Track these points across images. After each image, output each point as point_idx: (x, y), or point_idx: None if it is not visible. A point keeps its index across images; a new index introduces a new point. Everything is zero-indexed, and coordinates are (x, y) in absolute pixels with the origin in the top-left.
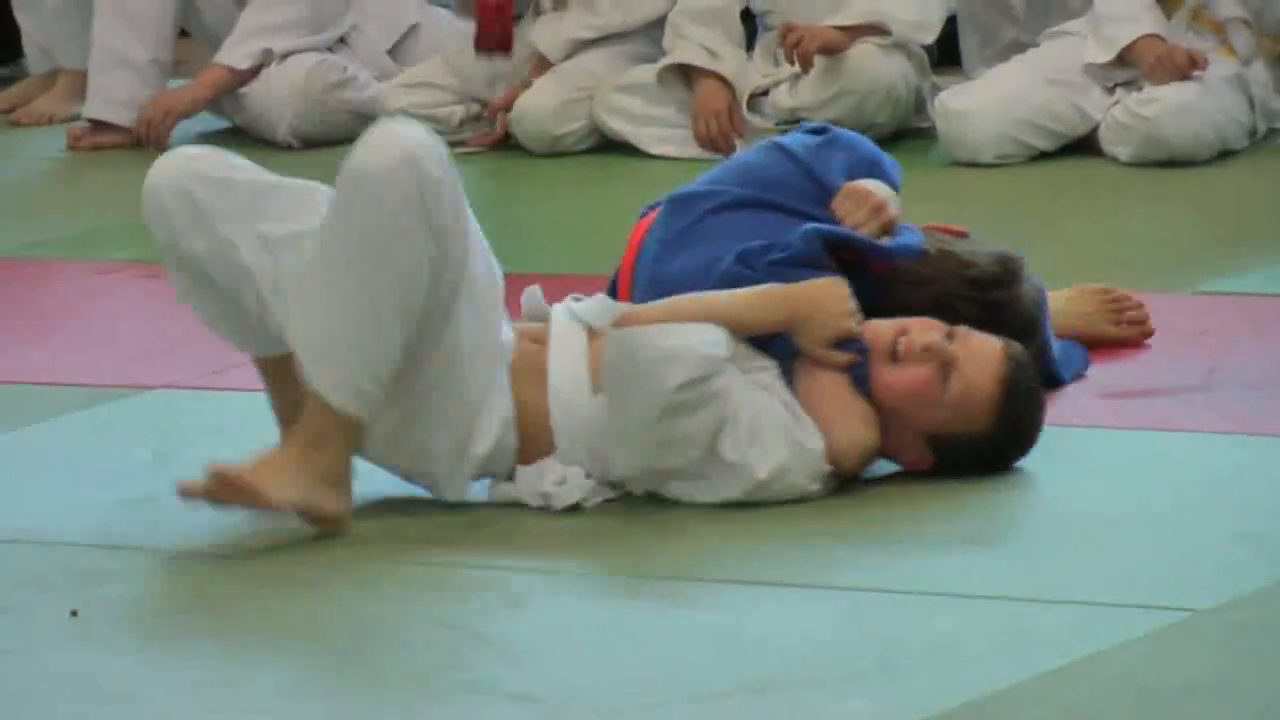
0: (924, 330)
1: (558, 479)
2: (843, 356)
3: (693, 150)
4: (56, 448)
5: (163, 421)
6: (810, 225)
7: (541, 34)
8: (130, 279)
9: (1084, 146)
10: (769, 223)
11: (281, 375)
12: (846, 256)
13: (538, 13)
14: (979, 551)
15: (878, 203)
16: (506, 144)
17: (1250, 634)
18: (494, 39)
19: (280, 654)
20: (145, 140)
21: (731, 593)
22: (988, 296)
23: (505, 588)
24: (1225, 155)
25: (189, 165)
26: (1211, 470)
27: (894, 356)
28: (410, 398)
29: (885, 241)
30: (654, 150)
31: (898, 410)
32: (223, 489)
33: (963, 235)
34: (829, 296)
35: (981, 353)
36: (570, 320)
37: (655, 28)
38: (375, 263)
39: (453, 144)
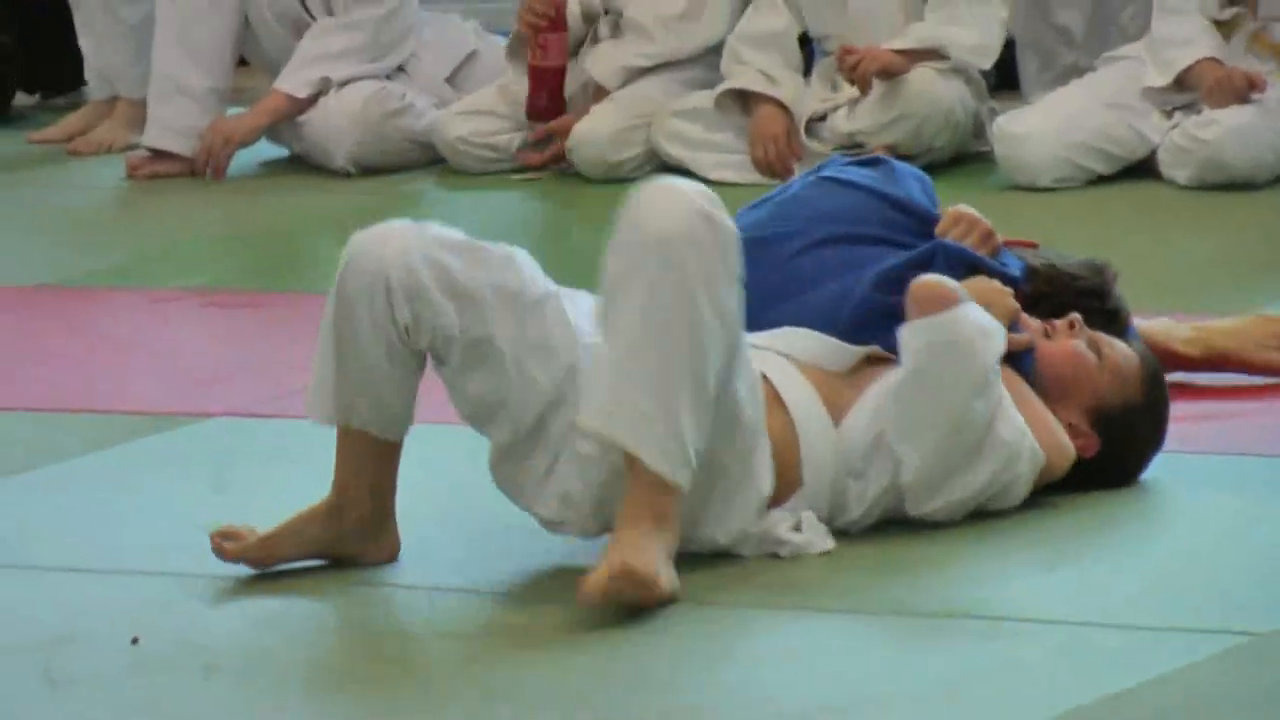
0: (1066, 324)
1: (793, 524)
2: (1023, 337)
3: (751, 175)
4: (117, 475)
5: (222, 448)
6: (937, 244)
7: (597, 62)
8: (189, 306)
9: (1143, 170)
10: (866, 255)
11: (391, 456)
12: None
13: (595, 41)
14: (1039, 575)
15: (987, 228)
16: (565, 170)
17: None
18: (541, 109)
19: (351, 683)
20: (204, 168)
21: (805, 619)
22: (1105, 305)
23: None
24: None
25: (423, 234)
26: (1272, 494)
27: (1047, 335)
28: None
29: (1001, 262)
30: (712, 175)
31: (1065, 383)
32: (626, 584)
33: (1035, 247)
34: (990, 287)
35: (1115, 341)
36: (777, 356)
37: (712, 54)
38: (692, 327)
39: (511, 171)
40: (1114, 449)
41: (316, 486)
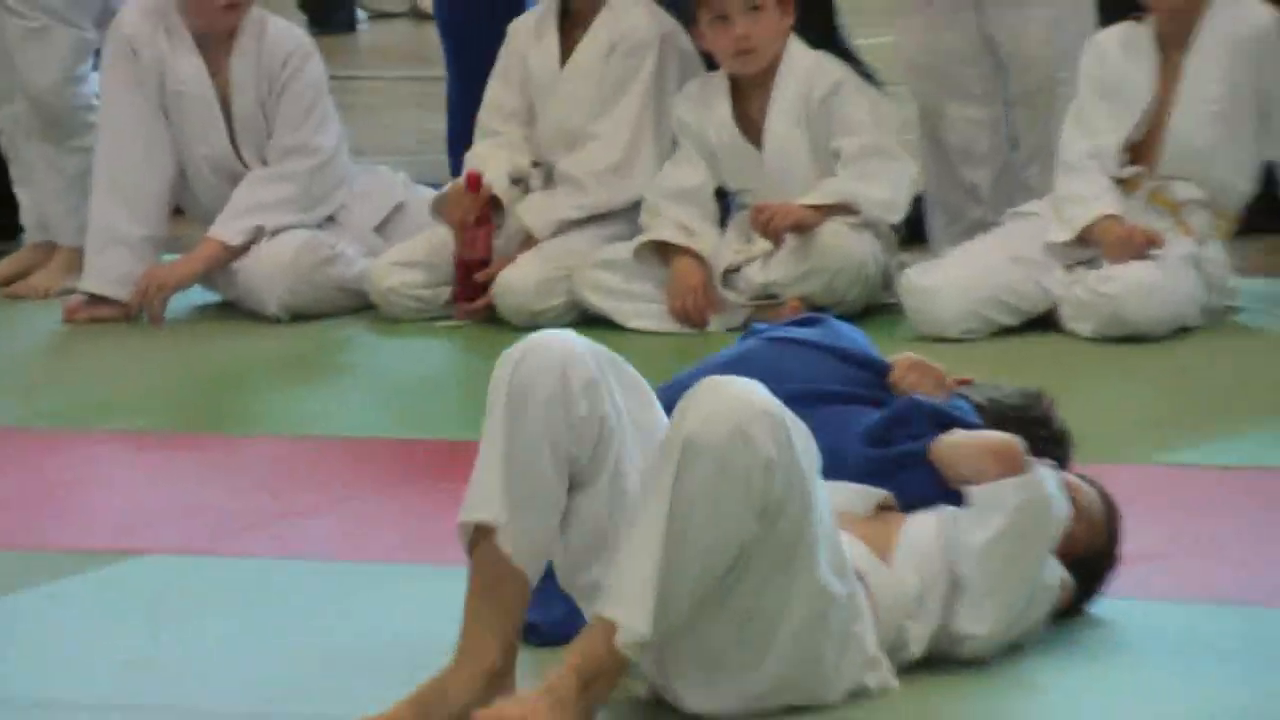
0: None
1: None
2: None
3: (669, 325)
4: (52, 612)
5: (157, 586)
6: (912, 400)
7: (529, 212)
8: (124, 448)
9: (1046, 323)
10: (838, 412)
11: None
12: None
13: (526, 190)
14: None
15: (939, 373)
16: (490, 318)
17: None
18: (468, 296)
19: None
20: (139, 313)
21: None
22: (1051, 431)
23: None
24: (1183, 331)
25: (565, 350)
26: (1166, 637)
27: None
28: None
29: (953, 406)
30: (631, 324)
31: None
32: None
33: (970, 384)
34: (1009, 442)
35: (1082, 485)
36: None
37: (635, 209)
38: (702, 534)
39: (437, 319)
40: (1080, 588)
41: (253, 624)
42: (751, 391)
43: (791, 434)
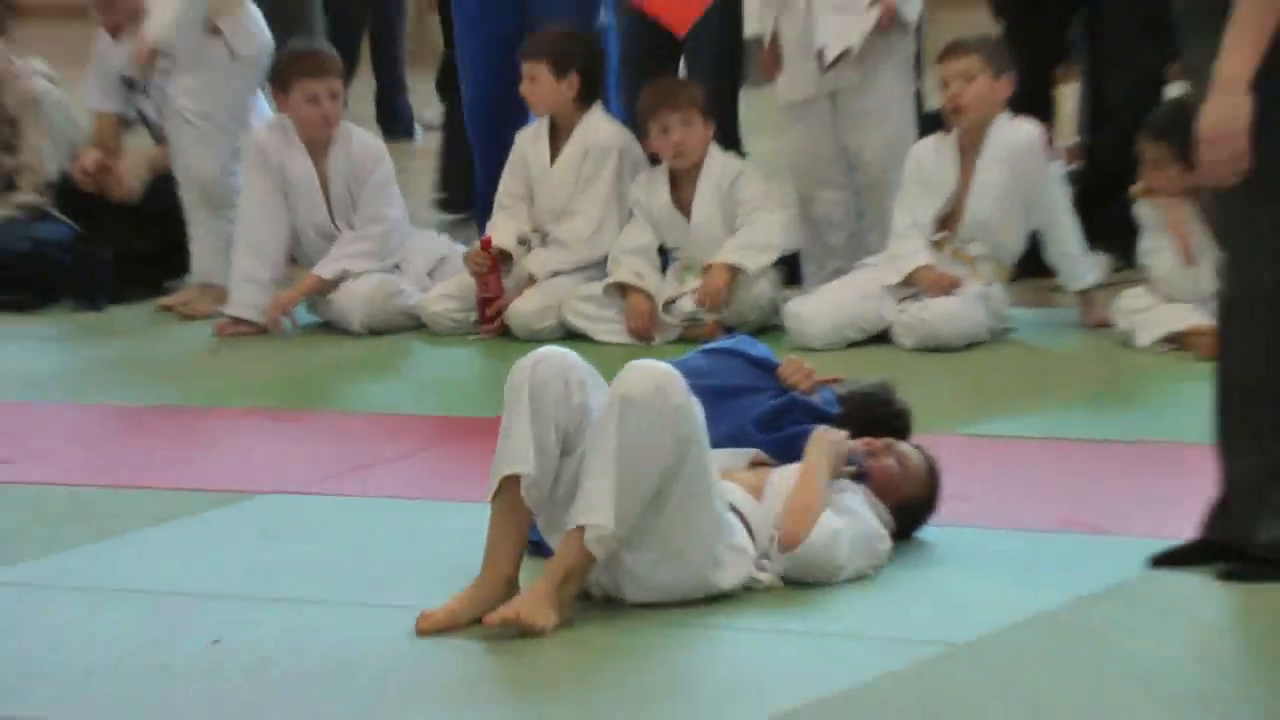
0: (881, 445)
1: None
2: (850, 468)
3: (627, 339)
4: (202, 532)
5: (275, 516)
6: (792, 397)
7: (532, 263)
8: (255, 419)
9: (882, 338)
10: (744, 401)
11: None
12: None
13: (529, 249)
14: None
15: (810, 371)
16: (505, 334)
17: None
18: (487, 320)
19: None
20: (268, 329)
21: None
22: (893, 409)
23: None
24: (975, 345)
25: (565, 360)
26: (976, 552)
27: (873, 455)
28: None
29: (822, 399)
30: (600, 339)
31: (884, 488)
32: (514, 627)
33: (840, 381)
34: (835, 438)
35: (911, 451)
36: None
37: (604, 261)
38: (640, 458)
39: (468, 334)
40: (905, 524)
41: (344, 543)
42: (664, 366)
43: (689, 396)
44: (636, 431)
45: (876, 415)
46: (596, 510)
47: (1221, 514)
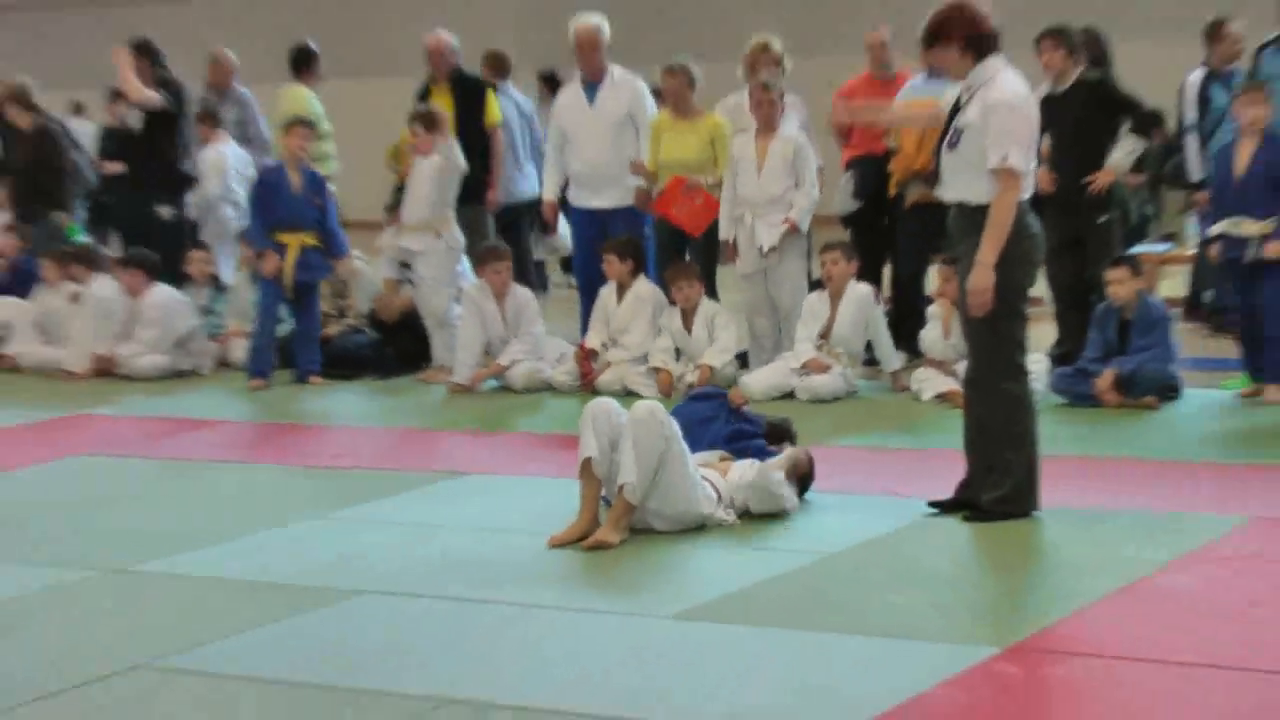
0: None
1: (728, 510)
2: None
3: (658, 395)
4: (416, 499)
5: (467, 490)
6: (738, 428)
7: (608, 355)
8: (459, 435)
9: (790, 395)
10: (715, 427)
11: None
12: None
13: (606, 348)
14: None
15: (743, 399)
16: (594, 391)
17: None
18: (586, 386)
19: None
20: (473, 389)
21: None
22: (792, 433)
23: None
24: (837, 400)
25: (608, 403)
26: (841, 508)
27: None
28: (674, 493)
29: (754, 423)
30: (645, 394)
31: (793, 471)
32: (600, 546)
33: (748, 403)
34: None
35: (802, 452)
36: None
37: (647, 356)
38: (645, 448)
39: (575, 392)
40: (801, 489)
41: (502, 505)
42: (653, 403)
43: (669, 417)
44: (642, 435)
45: (784, 433)
46: (627, 474)
47: (964, 486)
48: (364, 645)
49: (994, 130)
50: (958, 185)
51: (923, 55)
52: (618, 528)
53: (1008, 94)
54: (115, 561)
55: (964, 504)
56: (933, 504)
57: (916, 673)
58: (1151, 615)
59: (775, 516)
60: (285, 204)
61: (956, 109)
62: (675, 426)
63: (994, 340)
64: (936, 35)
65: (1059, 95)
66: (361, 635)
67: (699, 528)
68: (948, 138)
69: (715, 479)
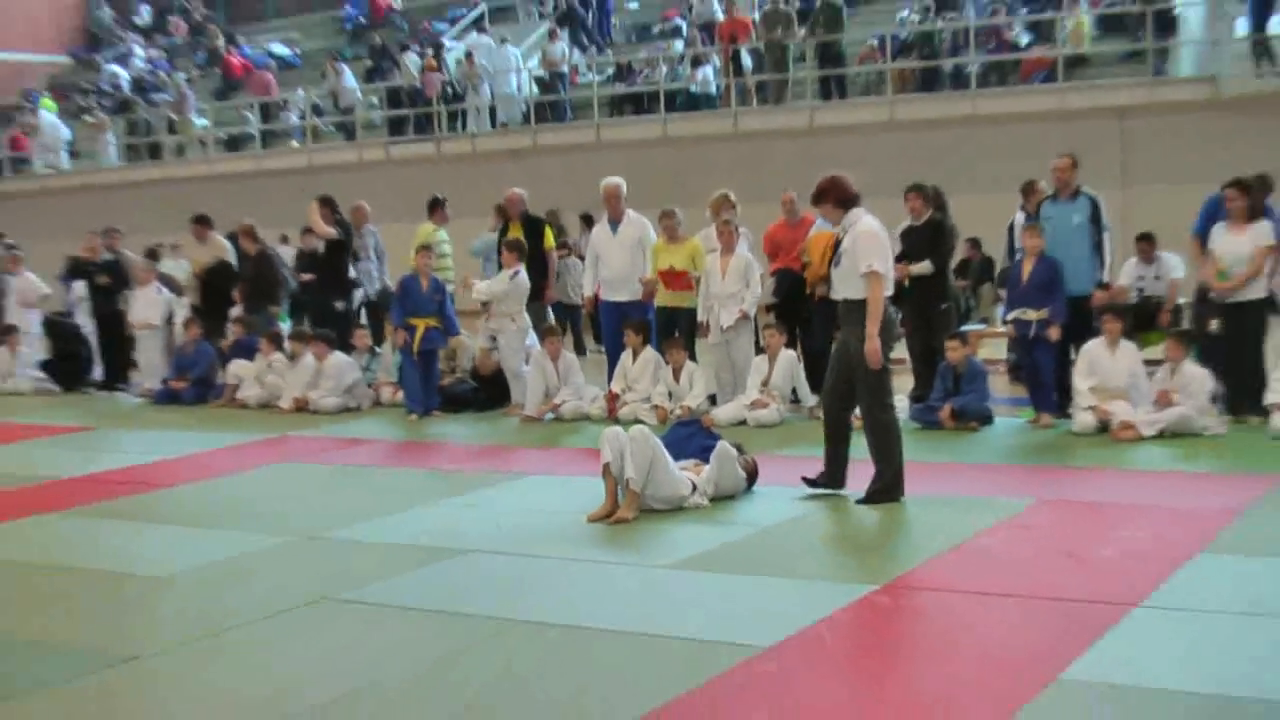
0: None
1: (701, 495)
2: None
3: (657, 423)
4: (529, 488)
5: (548, 484)
6: (713, 440)
7: (627, 397)
8: (540, 451)
9: (743, 424)
10: (697, 444)
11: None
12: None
13: (624, 392)
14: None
15: (711, 421)
16: (616, 420)
17: None
18: (612, 416)
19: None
20: (539, 419)
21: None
22: (744, 454)
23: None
24: (774, 426)
25: (618, 429)
26: (778, 495)
27: (742, 455)
28: (662, 484)
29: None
30: (648, 422)
31: (747, 467)
32: (620, 520)
33: (713, 426)
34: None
35: (750, 458)
36: (687, 470)
37: (650, 397)
38: (639, 455)
39: (603, 421)
40: (750, 483)
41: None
42: (642, 427)
43: (652, 435)
44: (637, 447)
45: (738, 447)
46: (629, 472)
47: (825, 472)
48: (467, 584)
49: (861, 250)
50: (842, 288)
51: (812, 208)
52: (631, 508)
53: (868, 228)
54: (308, 530)
55: (824, 482)
56: (805, 479)
57: (823, 601)
58: (972, 564)
59: (732, 498)
60: (415, 300)
61: (838, 242)
62: (657, 440)
63: (875, 384)
64: (819, 198)
65: (917, 227)
66: (466, 578)
67: (681, 508)
68: (834, 259)
69: (693, 476)
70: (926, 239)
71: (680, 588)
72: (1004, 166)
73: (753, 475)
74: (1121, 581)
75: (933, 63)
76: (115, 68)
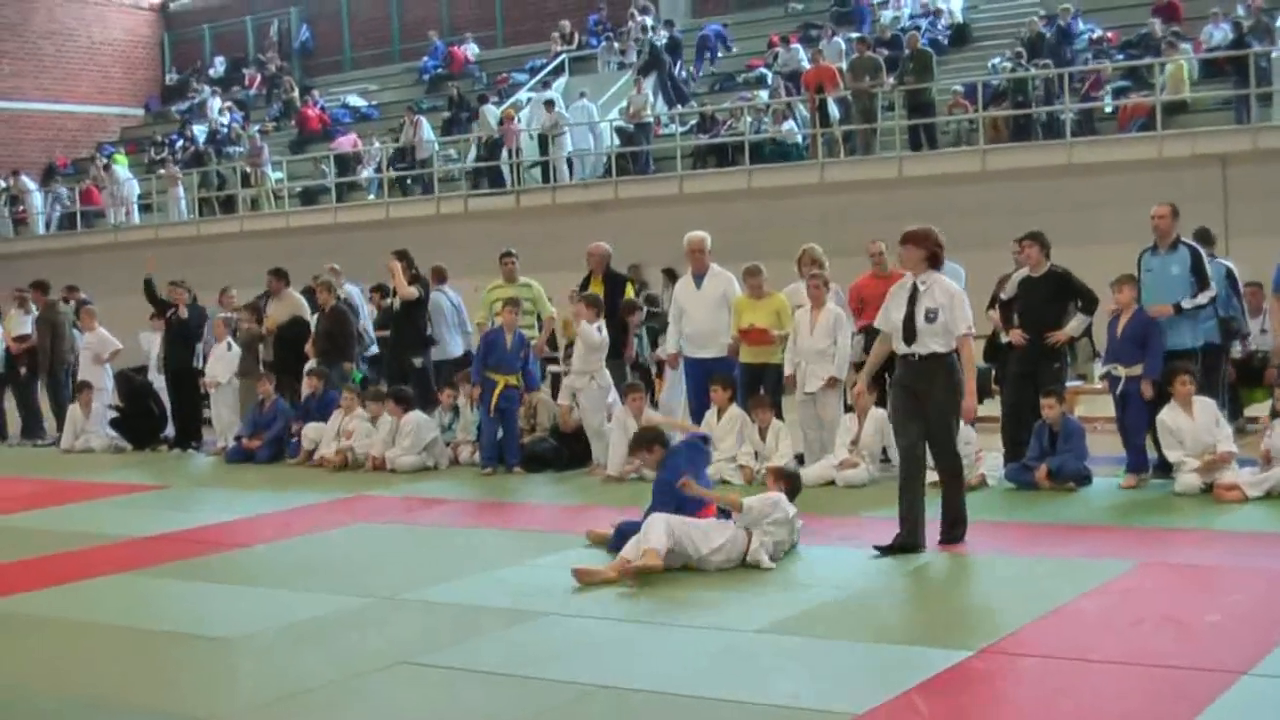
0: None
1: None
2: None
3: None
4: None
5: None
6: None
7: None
8: (608, 508)
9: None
10: (700, 460)
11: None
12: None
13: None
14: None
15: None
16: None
17: None
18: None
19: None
20: (623, 479)
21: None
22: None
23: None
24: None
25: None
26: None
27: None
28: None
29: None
30: (733, 482)
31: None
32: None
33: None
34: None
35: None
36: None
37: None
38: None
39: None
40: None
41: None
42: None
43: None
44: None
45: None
46: (656, 543)
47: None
48: (548, 648)
49: (956, 311)
50: (929, 343)
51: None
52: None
53: (957, 289)
54: (386, 591)
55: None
56: (877, 548)
57: (916, 667)
58: (1071, 629)
59: (794, 546)
60: (498, 356)
61: (915, 292)
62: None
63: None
64: (916, 241)
65: (1034, 279)
66: (547, 641)
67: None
68: (924, 315)
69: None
70: (1050, 292)
71: (766, 653)
72: (1100, 217)
73: (794, 486)
74: (1228, 648)
75: (1026, 111)
76: (192, 125)
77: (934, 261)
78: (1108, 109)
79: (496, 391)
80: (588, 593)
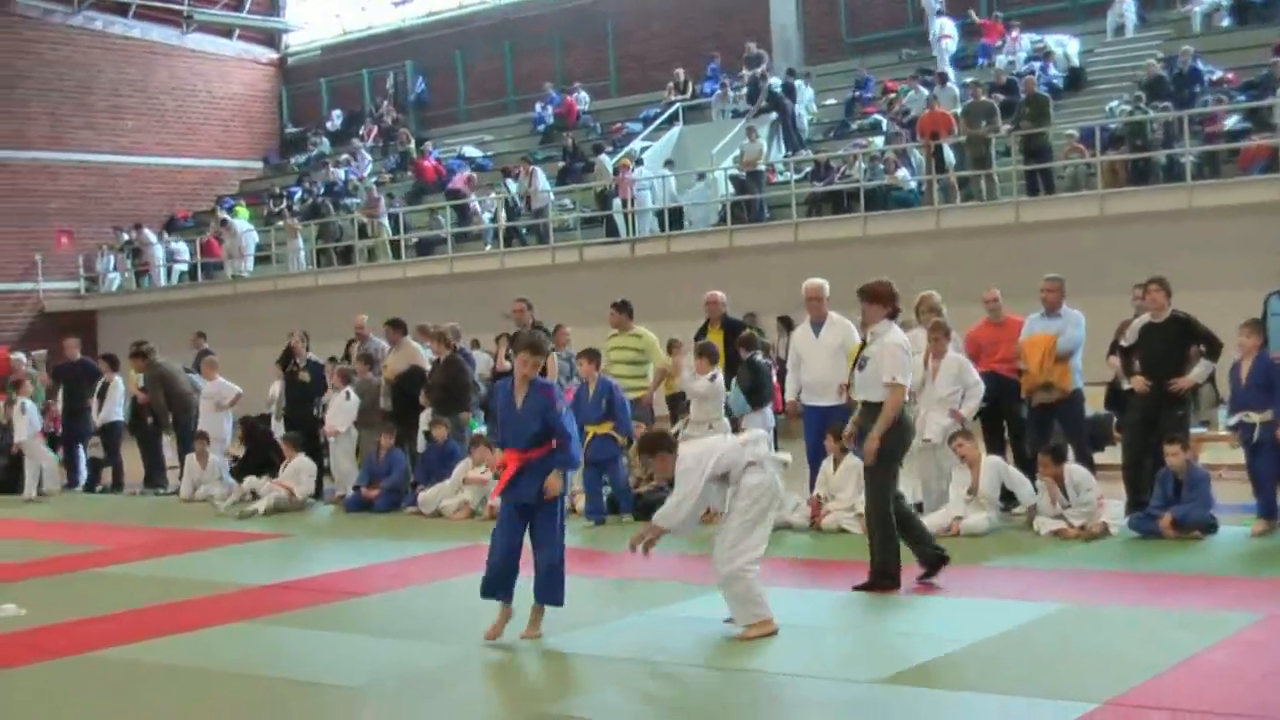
0: None
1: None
2: None
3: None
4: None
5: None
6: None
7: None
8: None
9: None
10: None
11: None
12: None
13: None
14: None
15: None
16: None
17: None
18: (816, 522)
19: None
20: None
21: None
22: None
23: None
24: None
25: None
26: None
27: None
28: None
29: None
30: (852, 531)
31: None
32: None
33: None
34: None
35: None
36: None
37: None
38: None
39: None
40: None
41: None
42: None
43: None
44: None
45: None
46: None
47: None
48: (669, 700)
49: (884, 361)
50: (863, 391)
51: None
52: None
53: (897, 342)
54: (504, 642)
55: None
56: (855, 587)
57: None
58: (1198, 682)
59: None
60: (581, 408)
61: (863, 346)
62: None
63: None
64: (871, 297)
65: (1156, 325)
66: (668, 694)
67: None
68: (858, 364)
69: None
70: (1173, 337)
71: (891, 704)
72: (1221, 261)
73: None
74: None
75: (1144, 154)
76: (311, 176)
77: (893, 314)
78: (1228, 151)
79: (586, 443)
80: (706, 643)
